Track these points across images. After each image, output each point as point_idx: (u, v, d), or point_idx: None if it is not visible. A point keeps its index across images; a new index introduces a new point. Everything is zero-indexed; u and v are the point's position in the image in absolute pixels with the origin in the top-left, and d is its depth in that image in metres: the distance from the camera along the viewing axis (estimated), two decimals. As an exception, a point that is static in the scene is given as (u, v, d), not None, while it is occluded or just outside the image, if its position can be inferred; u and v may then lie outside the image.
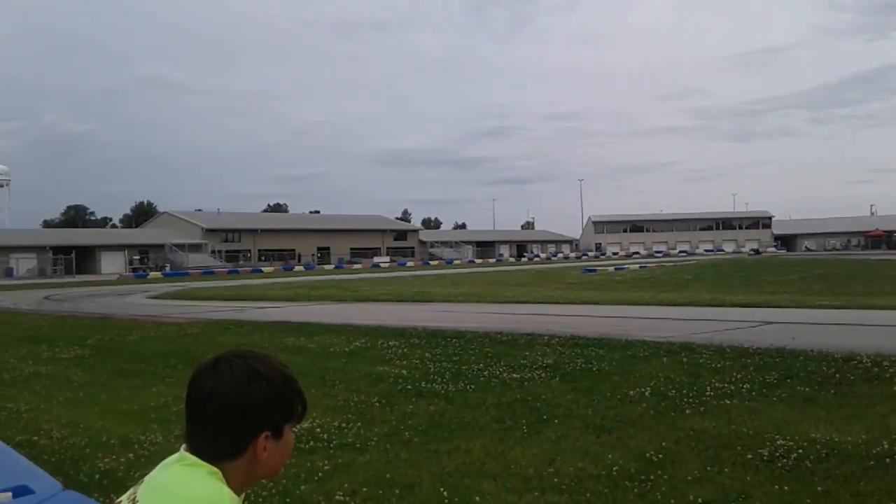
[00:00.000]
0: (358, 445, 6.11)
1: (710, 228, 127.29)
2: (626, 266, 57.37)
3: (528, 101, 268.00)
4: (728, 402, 7.13)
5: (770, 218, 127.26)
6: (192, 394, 1.46)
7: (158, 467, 1.48)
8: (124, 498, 1.46)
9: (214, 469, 1.40)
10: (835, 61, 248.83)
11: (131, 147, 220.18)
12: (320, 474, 5.32)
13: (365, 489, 4.96)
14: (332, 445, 6.10)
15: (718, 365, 8.99)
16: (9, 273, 70.43)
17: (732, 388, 7.69)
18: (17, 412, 7.89)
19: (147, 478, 1.48)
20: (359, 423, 6.83)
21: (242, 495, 1.45)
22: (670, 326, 13.68)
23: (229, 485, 1.41)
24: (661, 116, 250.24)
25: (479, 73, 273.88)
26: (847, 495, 4.54)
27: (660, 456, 5.43)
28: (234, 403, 1.41)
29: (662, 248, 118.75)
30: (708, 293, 23.04)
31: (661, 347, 10.47)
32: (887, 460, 5.10)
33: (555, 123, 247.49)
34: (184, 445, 1.49)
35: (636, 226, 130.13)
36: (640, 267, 55.54)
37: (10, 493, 3.04)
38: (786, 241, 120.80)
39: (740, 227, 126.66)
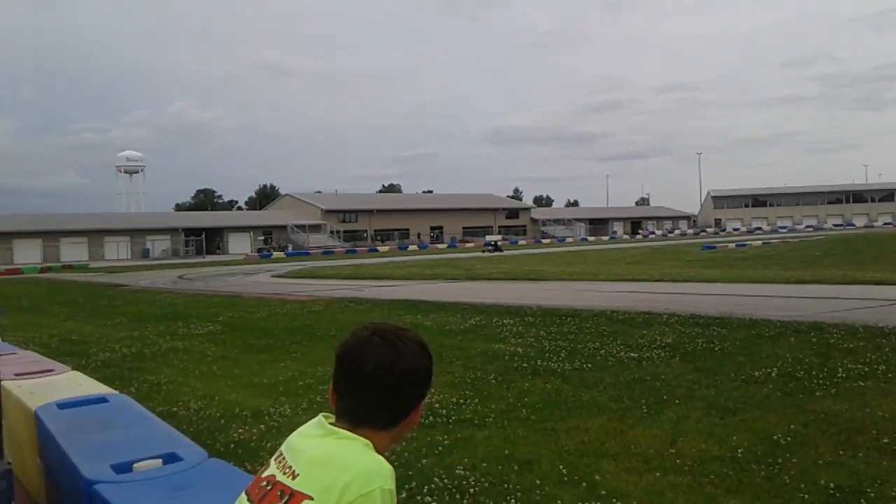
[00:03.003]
0: (476, 421, 6.21)
1: (839, 202, 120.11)
2: (749, 242, 55.02)
3: (640, 72, 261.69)
4: (862, 384, 6.80)
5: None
6: (363, 365, 1.50)
7: (303, 438, 1.53)
8: (275, 471, 1.51)
9: (367, 441, 1.47)
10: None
11: (253, 131, 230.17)
12: (440, 448, 5.45)
13: (484, 464, 5.05)
14: (450, 421, 6.23)
15: (851, 345, 8.56)
16: (145, 254, 75.11)
17: (866, 369, 7.32)
18: (158, 385, 8.45)
19: (290, 451, 1.52)
20: (476, 400, 6.94)
21: None
22: (797, 305, 13.08)
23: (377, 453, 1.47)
24: (783, 85, 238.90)
25: (589, 45, 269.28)
26: None
27: (788, 439, 5.25)
28: (413, 373, 1.51)
29: (787, 223, 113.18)
30: (838, 270, 21.80)
31: (787, 327, 10.06)
32: None
33: (669, 95, 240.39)
34: (322, 414, 1.55)
35: (758, 200, 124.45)
36: (764, 243, 53.11)
37: (160, 460, 3.27)
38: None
39: (872, 200, 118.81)
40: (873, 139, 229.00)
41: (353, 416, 1.50)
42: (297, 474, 1.45)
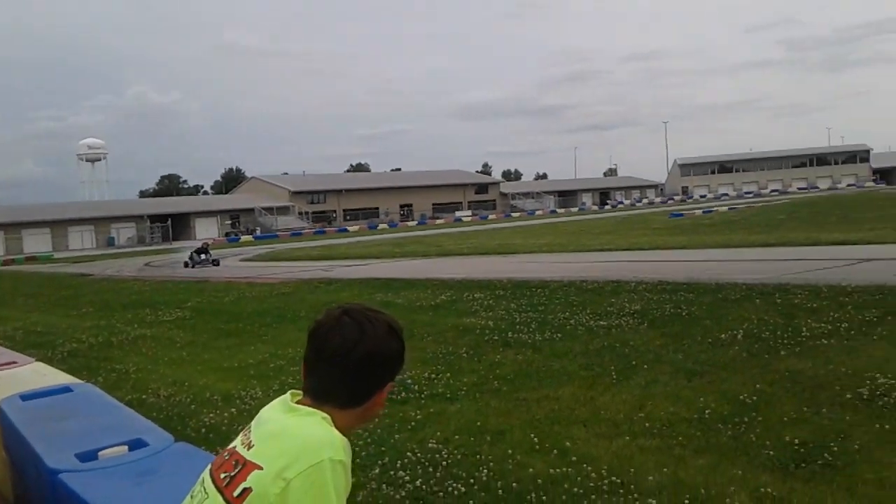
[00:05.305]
0: (448, 395, 6.24)
1: (803, 165, 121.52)
2: (715, 209, 55.68)
3: (606, 42, 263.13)
4: (825, 342, 6.93)
5: (868, 151, 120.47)
6: (327, 343, 1.52)
7: (268, 414, 1.57)
8: (237, 442, 1.55)
9: (325, 415, 1.49)
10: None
11: (216, 114, 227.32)
12: (413, 423, 5.47)
13: (457, 437, 5.08)
14: (423, 396, 6.25)
15: (814, 305, 8.71)
16: (110, 242, 74.03)
17: (829, 327, 7.46)
18: (126, 373, 8.36)
19: (255, 424, 1.56)
20: (448, 374, 6.96)
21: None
22: (763, 268, 13.28)
23: (336, 429, 1.49)
24: (748, 50, 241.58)
25: (553, 16, 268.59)
26: (955, 433, 4.37)
27: (754, 398, 5.34)
28: (377, 354, 1.51)
29: (753, 188, 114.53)
30: (802, 232, 22.17)
31: (753, 290, 10.21)
32: None
33: (636, 64, 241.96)
34: (291, 391, 1.58)
35: (724, 166, 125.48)
36: (730, 209, 53.75)
37: (126, 447, 3.24)
38: (886, 175, 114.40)
39: (836, 163, 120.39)
40: (836, 102, 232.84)
41: (316, 393, 1.53)
42: (253, 445, 1.49)
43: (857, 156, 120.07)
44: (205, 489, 1.53)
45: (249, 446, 1.49)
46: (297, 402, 1.54)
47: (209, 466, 1.58)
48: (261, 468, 1.42)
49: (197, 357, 9.04)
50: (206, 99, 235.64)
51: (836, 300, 8.86)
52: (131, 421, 3.79)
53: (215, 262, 29.13)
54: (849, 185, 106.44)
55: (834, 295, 9.21)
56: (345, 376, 1.50)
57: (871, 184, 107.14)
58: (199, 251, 29.97)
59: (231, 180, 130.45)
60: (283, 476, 1.37)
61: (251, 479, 1.42)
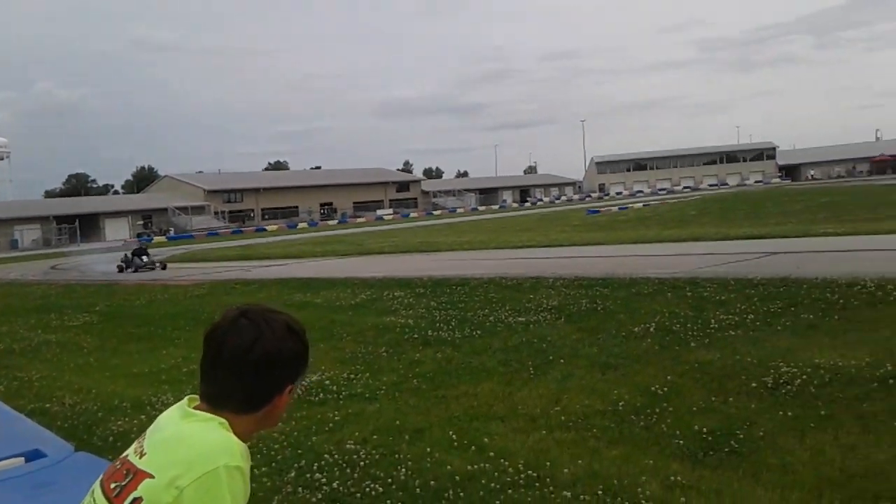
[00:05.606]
0: (367, 395, 6.18)
1: (713, 163, 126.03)
2: (630, 205, 57.12)
3: (524, 41, 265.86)
4: (732, 333, 7.17)
5: (774, 149, 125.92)
6: (224, 346, 1.46)
7: (164, 420, 1.50)
8: (130, 451, 1.48)
9: (223, 420, 1.44)
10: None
11: (128, 112, 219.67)
12: (331, 425, 5.40)
13: (375, 437, 5.03)
14: (341, 396, 6.18)
15: (723, 297, 9.01)
16: (14, 245, 70.67)
17: (737, 319, 7.72)
18: (29, 381, 7.98)
19: (151, 431, 1.50)
20: (367, 374, 6.90)
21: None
22: (675, 262, 13.67)
23: (235, 434, 1.44)
24: (661, 50, 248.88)
25: (473, 14, 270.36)
26: (851, 418, 4.58)
27: (665, 389, 5.48)
28: (275, 356, 1.45)
29: (666, 185, 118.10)
30: (713, 227, 22.97)
31: (665, 284, 10.49)
32: (890, 381, 5.13)
33: (553, 63, 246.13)
34: (188, 396, 1.52)
35: (639, 164, 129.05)
36: (644, 205, 55.23)
37: (22, 458, 3.08)
38: (791, 172, 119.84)
39: (744, 160, 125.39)
40: (744, 101, 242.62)
41: (213, 398, 1.47)
42: (145, 453, 1.43)
43: (764, 153, 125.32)
44: (94, 501, 1.46)
45: (142, 454, 1.43)
46: (195, 408, 1.48)
47: (101, 477, 1.50)
48: (152, 477, 1.36)
49: (105, 363, 8.70)
50: (117, 96, 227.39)
51: (743, 293, 9.19)
52: (29, 431, 3.62)
53: (156, 266, 24.59)
54: (756, 182, 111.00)
55: (741, 287, 9.54)
56: (242, 379, 1.45)
57: (777, 180, 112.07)
58: (137, 252, 25.27)
59: (143, 179, 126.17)
60: (175, 485, 1.31)
61: (142, 489, 1.35)
